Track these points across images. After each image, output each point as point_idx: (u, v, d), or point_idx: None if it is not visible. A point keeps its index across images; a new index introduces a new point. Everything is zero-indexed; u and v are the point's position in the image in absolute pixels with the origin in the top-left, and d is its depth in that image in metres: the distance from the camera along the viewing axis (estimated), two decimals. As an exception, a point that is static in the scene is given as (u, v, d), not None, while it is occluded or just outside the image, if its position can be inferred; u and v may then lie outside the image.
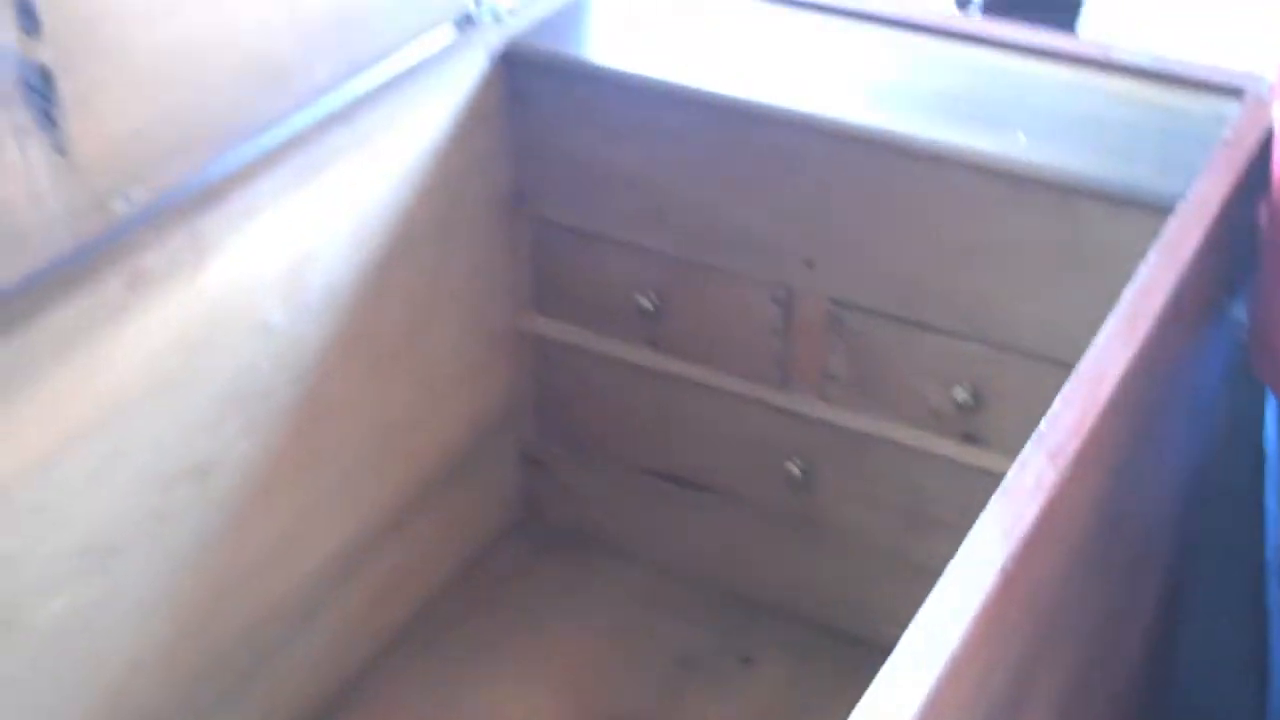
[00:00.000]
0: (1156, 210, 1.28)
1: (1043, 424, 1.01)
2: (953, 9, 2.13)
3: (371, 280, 1.50)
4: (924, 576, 0.93)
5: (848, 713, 0.82)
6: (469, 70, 1.57)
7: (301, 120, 1.39)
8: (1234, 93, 1.45)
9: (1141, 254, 1.17)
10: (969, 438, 1.54)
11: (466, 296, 1.65)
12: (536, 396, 1.79)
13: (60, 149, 1.17)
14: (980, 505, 0.95)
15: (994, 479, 0.98)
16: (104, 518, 1.26)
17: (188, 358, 1.30)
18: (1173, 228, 1.19)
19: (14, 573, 1.19)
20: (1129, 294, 1.13)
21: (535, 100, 1.62)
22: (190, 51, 1.27)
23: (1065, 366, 1.07)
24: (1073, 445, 1.00)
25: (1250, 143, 1.35)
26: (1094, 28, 2.13)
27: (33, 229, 1.16)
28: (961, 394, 1.52)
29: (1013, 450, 1.00)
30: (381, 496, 1.61)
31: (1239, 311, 1.44)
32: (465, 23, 1.57)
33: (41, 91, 1.15)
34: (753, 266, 1.58)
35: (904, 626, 0.87)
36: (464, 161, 1.58)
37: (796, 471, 1.65)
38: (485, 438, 1.76)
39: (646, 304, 1.66)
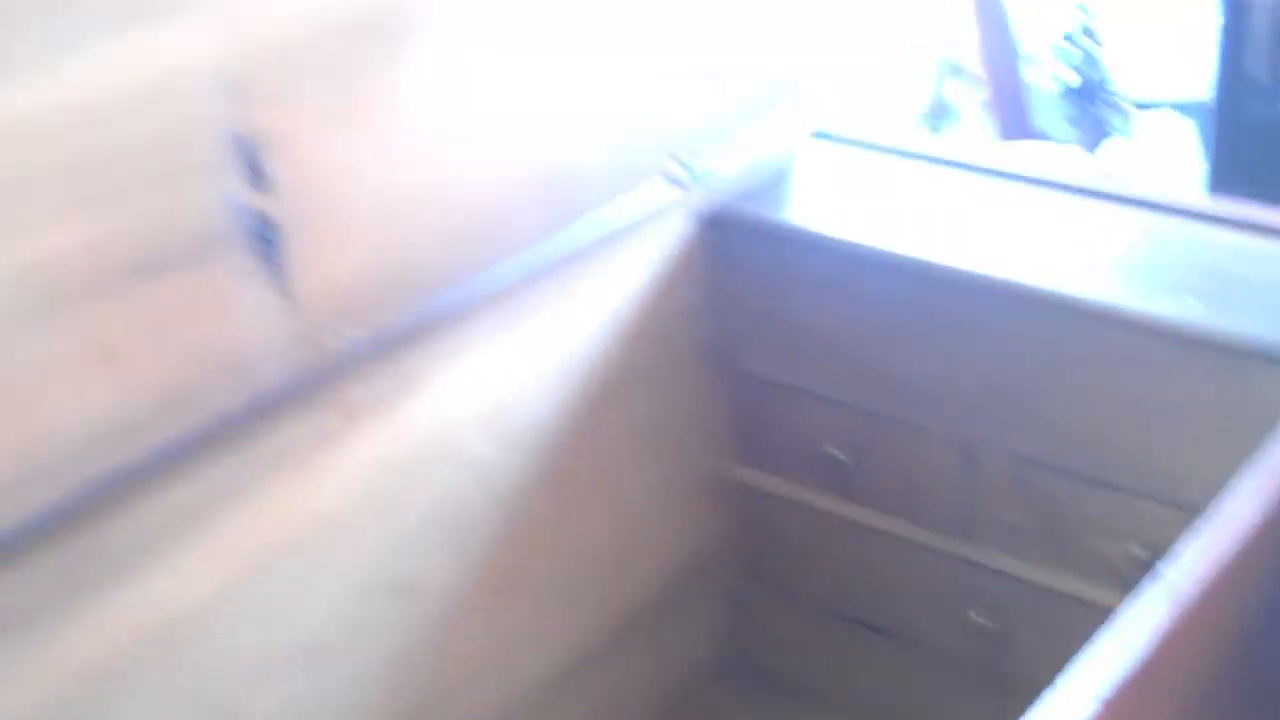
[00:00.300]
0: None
1: (1163, 565, 1.01)
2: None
3: (574, 420, 1.57)
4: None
5: None
6: (673, 229, 1.65)
7: (508, 269, 1.48)
8: None
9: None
10: (1148, 594, 1.51)
11: (669, 442, 1.72)
12: (739, 541, 1.83)
13: (284, 291, 1.28)
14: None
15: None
16: (312, 622, 1.35)
17: (394, 483, 1.40)
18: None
19: (232, 664, 1.29)
20: (1268, 446, 1.12)
21: (737, 259, 1.69)
22: (406, 206, 1.38)
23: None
24: (1191, 587, 0.99)
25: None
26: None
27: (257, 361, 1.27)
28: (1139, 550, 1.50)
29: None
30: (582, 628, 1.66)
31: None
32: (671, 183, 1.65)
33: (269, 240, 1.27)
34: (938, 421, 1.61)
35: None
36: (666, 315, 1.66)
37: (981, 622, 1.65)
38: (688, 578, 1.80)
39: (839, 455, 1.69)
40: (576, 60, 1.53)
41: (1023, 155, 2.32)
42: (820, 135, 1.83)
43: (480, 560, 1.50)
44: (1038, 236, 1.59)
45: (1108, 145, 2.84)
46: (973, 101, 2.92)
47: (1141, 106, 2.90)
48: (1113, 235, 1.59)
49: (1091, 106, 2.87)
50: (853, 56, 2.77)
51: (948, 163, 1.76)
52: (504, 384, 1.50)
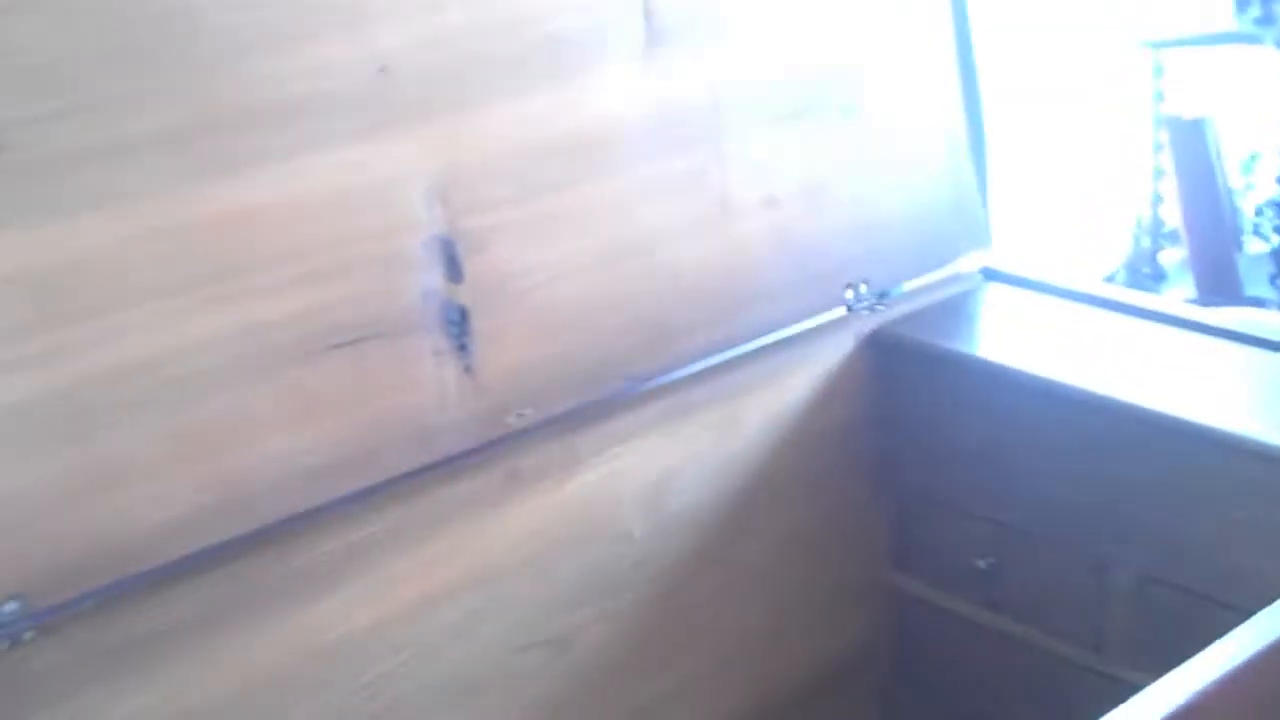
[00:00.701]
0: None
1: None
2: None
3: (732, 513, 1.66)
4: None
5: None
6: (838, 347, 1.74)
7: (675, 372, 1.58)
8: None
9: None
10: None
11: (824, 543, 1.78)
12: (891, 643, 1.88)
13: (468, 370, 1.42)
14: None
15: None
16: (467, 663, 1.47)
17: (552, 547, 1.51)
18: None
19: (388, 693, 1.42)
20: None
21: (897, 378, 1.77)
22: (585, 307, 1.51)
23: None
24: (1211, 671, 1.02)
25: None
26: None
27: (437, 428, 1.41)
28: (1254, 673, 1.49)
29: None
30: (728, 709, 1.72)
31: None
32: (844, 310, 1.75)
33: (458, 325, 1.41)
34: (1071, 536, 1.64)
35: None
36: (827, 425, 1.74)
37: (1108, 734, 1.65)
38: (840, 675, 1.85)
39: (983, 565, 1.73)
40: (758, 192, 1.64)
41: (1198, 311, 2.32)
42: (989, 273, 1.89)
43: (632, 627, 1.59)
44: (1181, 372, 1.63)
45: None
46: (1174, 260, 2.92)
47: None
48: (1257, 376, 1.61)
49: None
50: (1049, 203, 2.82)
51: (1107, 304, 1.80)
52: (665, 471, 1.59)
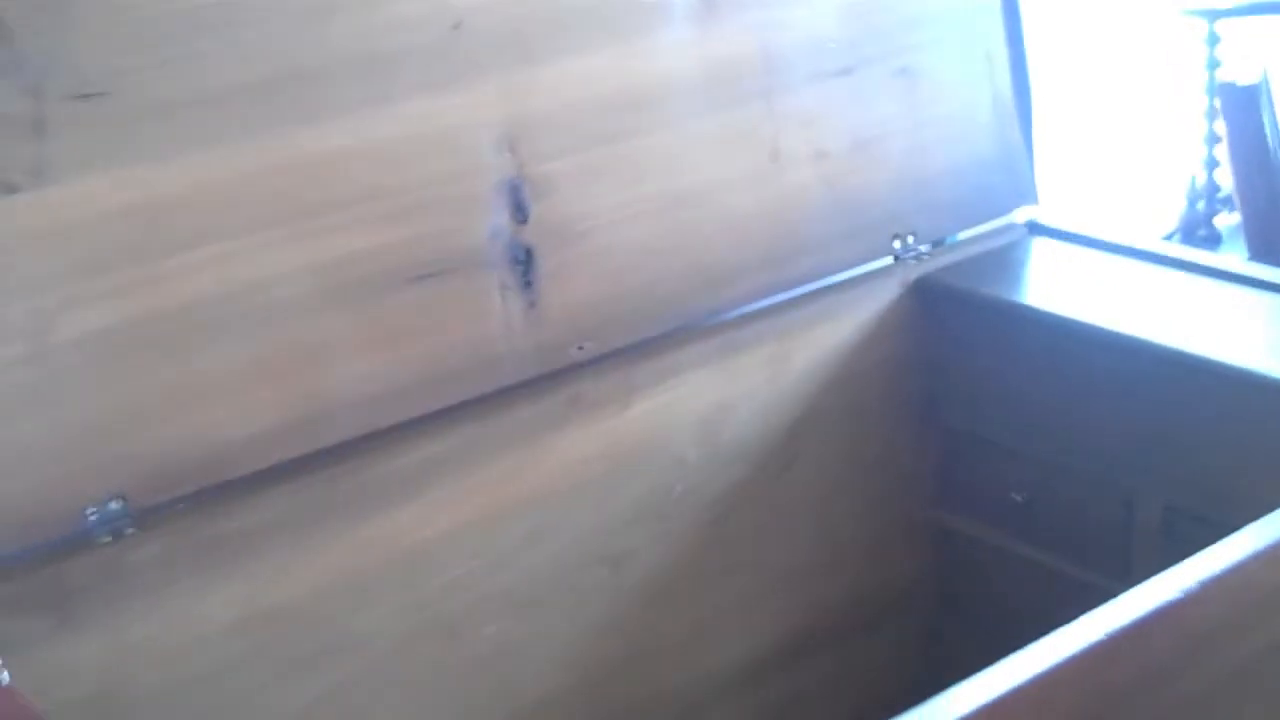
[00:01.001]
0: None
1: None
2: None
3: (780, 446, 1.71)
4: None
5: None
6: (885, 293, 1.78)
7: (728, 312, 1.64)
8: None
9: None
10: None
11: (870, 480, 1.82)
12: (936, 577, 1.92)
13: (533, 305, 1.49)
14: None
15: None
16: (530, 575, 1.53)
17: (610, 470, 1.57)
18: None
19: (458, 597, 1.49)
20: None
21: (941, 324, 1.80)
22: (644, 249, 1.57)
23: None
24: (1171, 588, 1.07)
25: None
26: None
27: (503, 357, 1.48)
28: (1272, 598, 1.52)
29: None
30: (778, 631, 1.77)
31: None
32: (890, 259, 1.79)
33: (523, 263, 1.48)
34: (1104, 472, 1.68)
35: None
36: (873, 367, 1.78)
37: (1136, 660, 1.68)
38: (887, 606, 1.89)
39: (1020, 500, 1.77)
40: (808, 146, 1.69)
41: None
42: (1034, 226, 1.92)
43: (683, 550, 1.65)
44: (1211, 317, 1.66)
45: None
46: (1229, 224, 2.91)
47: None
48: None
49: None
50: (1106, 167, 2.82)
51: (1146, 256, 1.83)
52: (718, 404, 1.65)
